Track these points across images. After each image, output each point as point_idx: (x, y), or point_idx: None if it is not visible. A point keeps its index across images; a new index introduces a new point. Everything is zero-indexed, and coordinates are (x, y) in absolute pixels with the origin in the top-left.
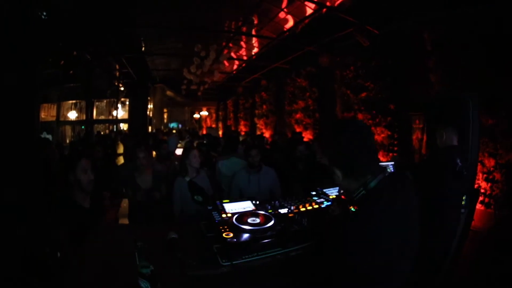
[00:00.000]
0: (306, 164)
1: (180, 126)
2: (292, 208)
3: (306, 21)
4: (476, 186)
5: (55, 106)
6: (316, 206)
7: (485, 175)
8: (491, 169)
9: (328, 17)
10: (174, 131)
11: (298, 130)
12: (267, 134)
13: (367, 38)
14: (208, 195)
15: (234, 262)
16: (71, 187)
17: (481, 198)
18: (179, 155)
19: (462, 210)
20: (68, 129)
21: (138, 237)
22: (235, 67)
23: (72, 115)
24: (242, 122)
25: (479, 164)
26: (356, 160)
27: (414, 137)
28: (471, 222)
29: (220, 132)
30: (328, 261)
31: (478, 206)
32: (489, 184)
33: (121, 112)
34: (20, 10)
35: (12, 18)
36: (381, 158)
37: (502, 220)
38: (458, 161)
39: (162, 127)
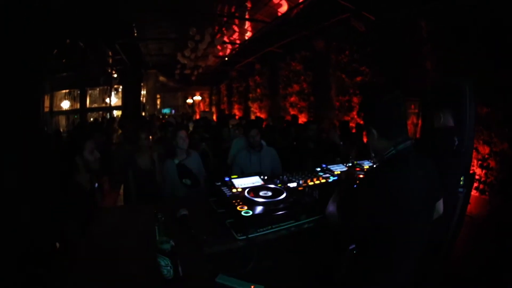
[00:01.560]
0: (316, 142)
1: (173, 111)
2: (300, 182)
3: (301, 6)
4: (471, 171)
5: (48, 97)
6: (324, 181)
7: (479, 162)
8: (486, 156)
9: (324, 1)
10: (166, 116)
11: (292, 113)
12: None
13: (363, 24)
14: (197, 178)
15: (250, 236)
16: (76, 171)
17: (475, 185)
18: None
19: (461, 190)
20: (62, 119)
21: (155, 211)
22: (228, 51)
23: (66, 104)
24: (236, 106)
25: (474, 151)
26: (392, 123)
27: (409, 122)
28: (468, 204)
29: (214, 116)
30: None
31: (473, 192)
32: (484, 171)
33: (114, 99)
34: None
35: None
36: None
37: (497, 207)
38: (456, 139)
39: (156, 113)
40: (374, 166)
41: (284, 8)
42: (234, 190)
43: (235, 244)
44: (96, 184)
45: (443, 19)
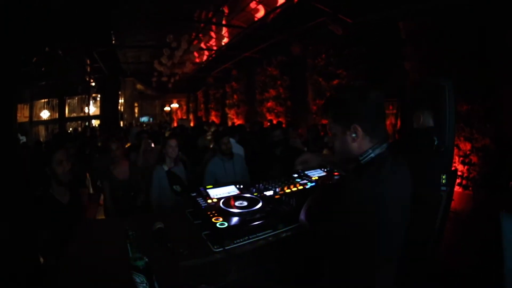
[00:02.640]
0: (283, 148)
1: (151, 120)
2: (277, 190)
3: (278, 10)
4: (453, 168)
5: (28, 106)
6: (301, 187)
7: (461, 158)
8: (467, 152)
9: (301, 6)
10: (144, 125)
11: (269, 118)
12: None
13: (340, 27)
14: (187, 185)
15: (226, 248)
16: (49, 183)
17: (458, 181)
18: (154, 147)
19: (444, 188)
20: (42, 129)
21: (127, 228)
22: (205, 57)
23: (45, 114)
24: (213, 113)
25: (455, 148)
26: (378, 120)
27: (387, 122)
28: (451, 201)
29: (192, 124)
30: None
31: (456, 188)
32: (466, 167)
33: (92, 108)
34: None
35: None
36: None
37: (480, 201)
38: (436, 138)
39: (134, 122)
40: (347, 172)
41: (260, 13)
42: (209, 201)
43: (212, 256)
44: None
45: (422, 20)
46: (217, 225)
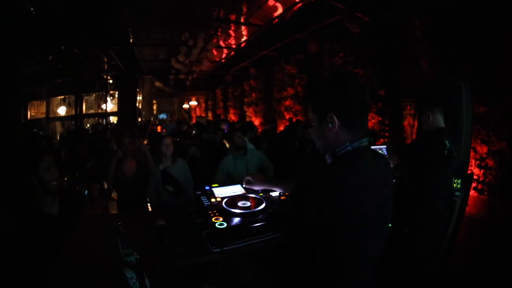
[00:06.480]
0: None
1: (168, 117)
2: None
3: (295, 8)
4: (469, 172)
5: (44, 103)
6: None
7: (477, 162)
8: (484, 155)
9: (317, 4)
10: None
11: (287, 117)
12: (256, 122)
13: (357, 25)
14: (181, 185)
15: (224, 249)
16: (35, 191)
17: (474, 185)
18: None
19: (458, 193)
20: (58, 125)
21: (123, 224)
22: (223, 55)
23: (62, 110)
24: (231, 111)
25: (471, 150)
26: (357, 111)
27: (405, 123)
28: (466, 206)
29: None
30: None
31: (472, 192)
32: (482, 171)
33: (110, 105)
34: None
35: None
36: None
37: (496, 206)
38: (447, 142)
39: (152, 119)
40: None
41: (279, 11)
42: (213, 200)
43: (209, 256)
44: (86, 192)
45: (437, 18)
46: (216, 225)
